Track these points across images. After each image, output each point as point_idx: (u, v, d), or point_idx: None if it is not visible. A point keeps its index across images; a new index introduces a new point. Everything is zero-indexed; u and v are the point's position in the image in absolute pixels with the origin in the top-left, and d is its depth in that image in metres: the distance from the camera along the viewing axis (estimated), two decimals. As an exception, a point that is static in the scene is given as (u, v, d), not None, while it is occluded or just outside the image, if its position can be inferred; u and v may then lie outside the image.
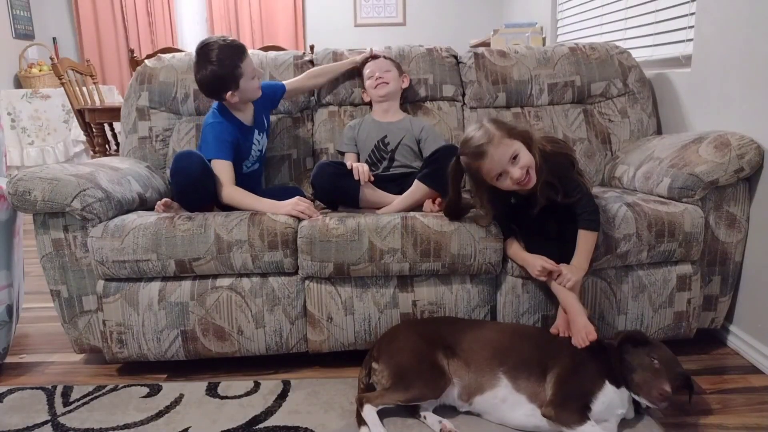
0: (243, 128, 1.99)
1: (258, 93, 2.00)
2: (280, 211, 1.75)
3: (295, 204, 1.76)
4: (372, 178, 1.93)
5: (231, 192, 1.85)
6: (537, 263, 1.59)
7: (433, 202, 1.89)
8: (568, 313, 1.56)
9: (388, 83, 2.16)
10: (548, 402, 1.37)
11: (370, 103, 2.28)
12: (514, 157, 1.53)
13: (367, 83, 2.21)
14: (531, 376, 1.43)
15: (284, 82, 2.18)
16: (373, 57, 2.25)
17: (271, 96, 2.13)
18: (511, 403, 1.43)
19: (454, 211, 1.69)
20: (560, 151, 1.63)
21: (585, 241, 1.60)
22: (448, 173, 1.65)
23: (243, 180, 1.95)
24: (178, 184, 1.85)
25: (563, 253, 1.60)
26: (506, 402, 1.43)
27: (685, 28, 2.24)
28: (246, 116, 2.01)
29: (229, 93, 1.90)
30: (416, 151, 2.14)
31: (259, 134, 2.06)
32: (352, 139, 2.17)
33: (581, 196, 1.59)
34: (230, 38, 1.91)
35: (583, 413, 1.33)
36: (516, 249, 1.67)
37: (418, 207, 1.90)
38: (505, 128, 1.56)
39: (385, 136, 2.12)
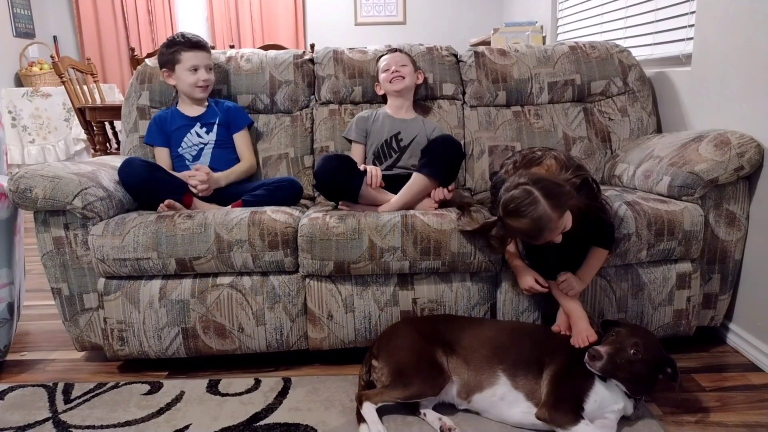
0: (182, 118, 2.13)
1: (196, 92, 2.10)
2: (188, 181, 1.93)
3: (190, 178, 1.93)
4: (383, 184, 1.92)
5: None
6: (528, 282, 1.61)
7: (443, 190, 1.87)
8: (570, 318, 1.56)
9: (404, 77, 2.13)
10: (542, 404, 1.38)
11: (379, 99, 2.28)
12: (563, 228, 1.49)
13: (382, 76, 2.17)
14: (529, 374, 1.44)
15: (239, 134, 2.16)
16: (392, 51, 2.24)
17: (234, 118, 2.16)
18: (510, 401, 1.43)
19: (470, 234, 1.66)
20: (591, 199, 1.56)
21: (597, 257, 1.61)
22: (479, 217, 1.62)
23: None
24: (130, 192, 1.86)
25: (563, 268, 1.60)
26: (505, 400, 1.44)
27: (685, 27, 2.24)
28: (191, 110, 2.14)
29: (164, 70, 2.11)
30: None
31: (202, 128, 2.13)
32: (363, 130, 2.14)
33: (605, 220, 1.60)
34: (201, 36, 2.13)
35: (576, 413, 1.34)
36: (513, 253, 1.67)
37: (418, 200, 1.88)
38: (558, 205, 1.43)
39: (399, 132, 2.10)
